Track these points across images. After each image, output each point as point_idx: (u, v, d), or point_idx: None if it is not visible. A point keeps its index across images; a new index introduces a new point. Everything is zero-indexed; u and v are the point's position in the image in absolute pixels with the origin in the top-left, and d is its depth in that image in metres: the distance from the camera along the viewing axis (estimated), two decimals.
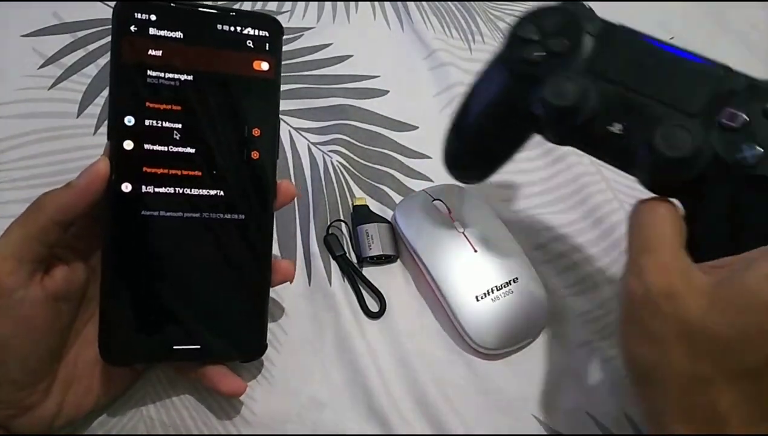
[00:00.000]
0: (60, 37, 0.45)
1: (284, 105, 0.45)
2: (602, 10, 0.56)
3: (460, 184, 0.39)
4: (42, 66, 0.44)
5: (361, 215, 0.40)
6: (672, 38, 0.56)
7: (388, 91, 0.48)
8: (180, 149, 0.29)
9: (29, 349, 0.27)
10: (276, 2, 0.52)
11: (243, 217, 0.30)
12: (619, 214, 0.43)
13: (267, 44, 0.30)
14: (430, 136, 0.45)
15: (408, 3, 0.54)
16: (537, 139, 0.46)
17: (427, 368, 0.35)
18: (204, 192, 0.30)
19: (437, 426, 0.33)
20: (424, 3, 0.54)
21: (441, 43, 0.51)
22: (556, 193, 0.44)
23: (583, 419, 0.34)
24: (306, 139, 0.44)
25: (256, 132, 0.30)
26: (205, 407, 0.33)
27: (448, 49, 0.51)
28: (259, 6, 0.52)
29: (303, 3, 0.52)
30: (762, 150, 0.23)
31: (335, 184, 0.42)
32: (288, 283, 0.32)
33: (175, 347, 0.30)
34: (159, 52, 0.28)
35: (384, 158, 0.44)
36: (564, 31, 0.28)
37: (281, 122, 0.44)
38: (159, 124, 0.29)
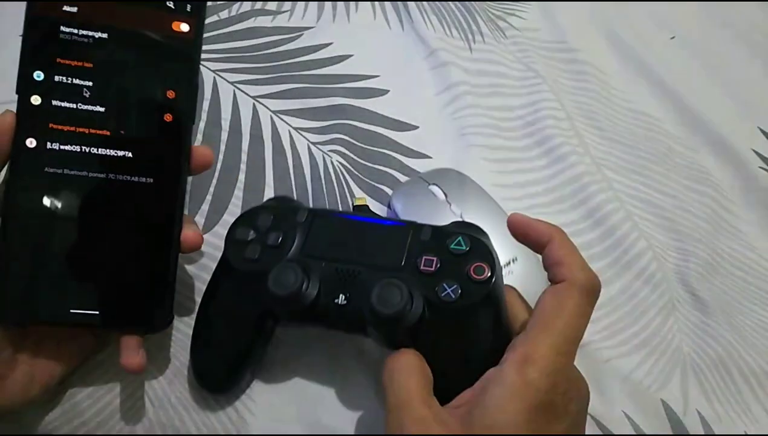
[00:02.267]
0: None
1: (284, 105, 0.46)
2: (603, 11, 0.57)
3: (454, 169, 0.39)
4: None
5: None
6: (673, 38, 0.56)
7: (388, 91, 0.48)
8: (89, 107, 0.29)
9: None
10: (276, 2, 0.52)
11: (151, 180, 0.29)
12: (620, 214, 0.43)
13: (188, 5, 0.29)
14: (430, 136, 0.45)
15: (408, 3, 0.54)
16: (534, 140, 0.47)
17: None
18: (111, 152, 0.29)
19: None
20: (424, 3, 0.54)
21: (441, 42, 0.51)
22: (556, 193, 0.44)
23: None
24: (306, 139, 0.44)
25: (170, 94, 0.29)
26: (204, 408, 0.33)
27: (448, 48, 0.51)
28: (259, 5, 0.52)
29: (303, 3, 0.52)
30: (456, 284, 0.27)
31: (335, 185, 0.42)
32: None
33: (72, 311, 0.29)
34: (74, 9, 0.28)
35: (384, 158, 0.44)
36: (276, 226, 0.31)
37: (283, 122, 0.45)
38: (69, 81, 0.28)
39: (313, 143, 0.44)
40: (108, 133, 0.29)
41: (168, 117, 0.29)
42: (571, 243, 0.28)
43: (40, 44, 0.28)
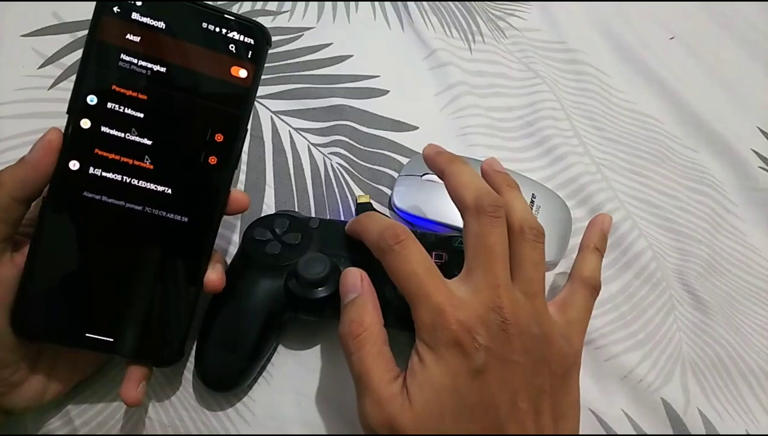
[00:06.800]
0: (59, 36, 0.45)
1: (284, 105, 0.46)
2: (603, 11, 0.57)
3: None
4: (42, 66, 0.44)
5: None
6: (672, 38, 0.56)
7: (388, 91, 0.48)
8: (137, 139, 0.29)
9: (6, 328, 0.27)
10: (276, 2, 0.52)
11: (186, 219, 0.29)
12: (620, 213, 0.43)
13: (250, 52, 0.29)
14: (430, 137, 0.45)
15: (408, 3, 0.54)
16: (533, 140, 0.47)
17: None
18: (151, 186, 0.29)
19: None
20: (424, 3, 0.54)
21: (441, 42, 0.51)
22: (556, 192, 0.44)
23: (586, 414, 0.34)
24: (306, 139, 0.44)
25: (218, 137, 0.29)
26: (205, 407, 0.33)
27: (448, 48, 0.51)
28: (259, 6, 0.52)
29: (303, 3, 0.52)
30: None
31: (336, 187, 0.42)
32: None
33: (87, 335, 0.29)
34: (137, 39, 0.28)
35: (384, 159, 0.44)
36: (293, 229, 0.34)
37: (283, 123, 0.45)
38: (121, 110, 0.28)
39: (314, 145, 0.44)
40: (151, 167, 0.29)
41: (213, 159, 0.29)
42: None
43: (98, 69, 0.28)
